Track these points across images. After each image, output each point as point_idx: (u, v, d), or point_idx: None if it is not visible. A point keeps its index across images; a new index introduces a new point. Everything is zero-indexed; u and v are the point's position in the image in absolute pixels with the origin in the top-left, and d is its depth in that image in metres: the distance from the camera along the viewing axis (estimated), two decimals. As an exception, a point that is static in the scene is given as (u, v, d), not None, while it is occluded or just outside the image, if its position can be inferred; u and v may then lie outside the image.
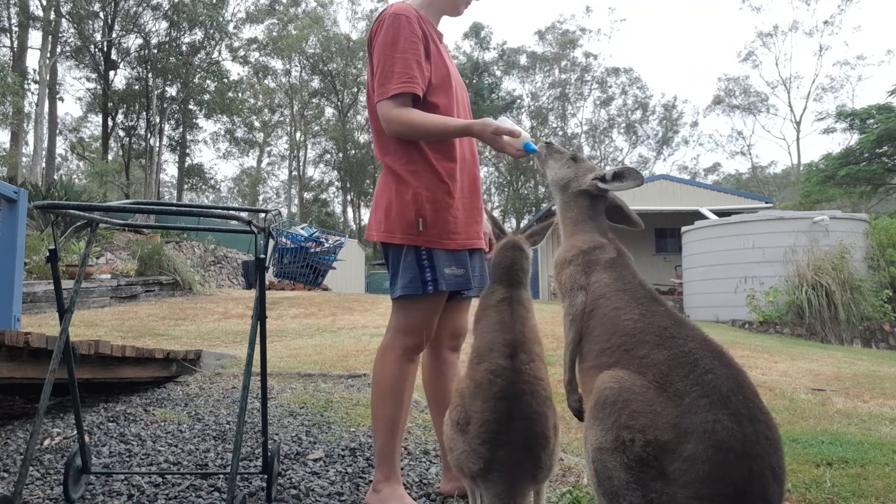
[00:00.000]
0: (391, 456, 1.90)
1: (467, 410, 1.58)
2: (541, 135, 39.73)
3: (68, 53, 25.14)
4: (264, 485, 2.13)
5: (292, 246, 2.37)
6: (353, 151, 36.64)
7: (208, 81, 26.94)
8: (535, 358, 1.63)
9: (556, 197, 1.78)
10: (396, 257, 1.90)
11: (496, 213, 41.15)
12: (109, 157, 25.32)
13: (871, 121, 18.31)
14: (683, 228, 12.21)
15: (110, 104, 24.88)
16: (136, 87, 25.60)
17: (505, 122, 1.78)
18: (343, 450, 2.61)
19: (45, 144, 21.90)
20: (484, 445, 1.50)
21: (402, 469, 2.27)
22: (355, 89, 35.21)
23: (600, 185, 1.67)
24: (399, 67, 1.82)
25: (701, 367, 1.24)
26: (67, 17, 22.61)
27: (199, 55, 26.23)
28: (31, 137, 23.43)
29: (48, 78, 21.65)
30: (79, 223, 1.91)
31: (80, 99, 31.42)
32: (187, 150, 30.53)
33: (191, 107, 27.41)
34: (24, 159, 23.78)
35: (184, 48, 25.63)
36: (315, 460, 2.47)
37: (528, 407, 1.53)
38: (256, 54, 32.60)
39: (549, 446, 1.54)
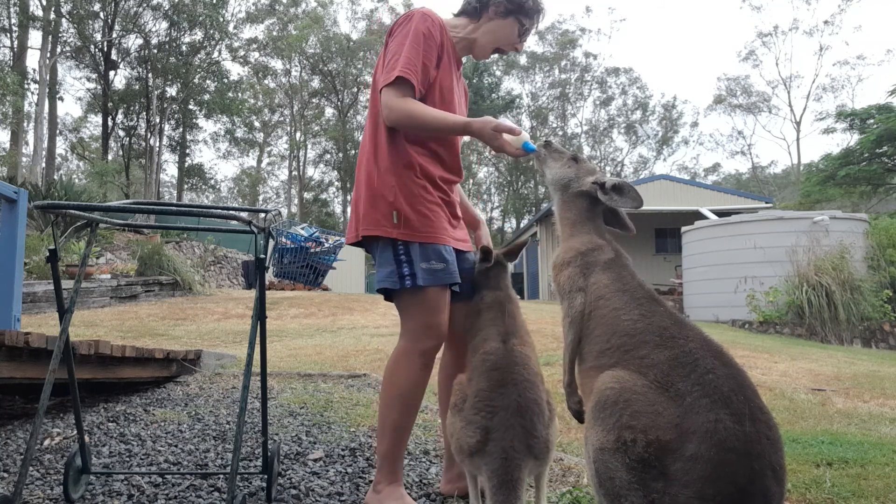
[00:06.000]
0: (395, 459, 1.89)
1: (464, 392, 1.67)
2: (541, 135, 39.71)
3: (68, 53, 25.12)
4: (264, 485, 2.13)
5: (292, 246, 2.37)
6: (353, 151, 36.58)
7: (208, 81, 26.90)
8: (525, 343, 1.76)
9: (555, 197, 1.79)
10: (374, 251, 1.94)
11: (496, 214, 41.22)
12: (109, 157, 25.28)
13: (871, 121, 18.28)
14: (683, 228, 12.21)
15: (110, 104, 24.85)
16: (136, 87, 25.56)
17: (504, 121, 1.79)
18: (343, 450, 2.61)
19: (45, 144, 21.88)
20: (479, 414, 1.56)
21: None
22: (355, 89, 35.19)
23: (599, 193, 1.67)
24: (410, 54, 1.85)
25: (702, 367, 1.24)
26: (67, 17, 22.58)
27: (199, 55, 26.20)
28: (31, 137, 23.43)
29: (48, 78, 21.63)
30: (79, 223, 1.90)
31: (80, 99, 31.43)
32: (187, 150, 30.51)
33: (191, 107, 27.37)
34: (24, 159, 23.75)
35: (184, 48, 25.59)
36: (315, 460, 2.47)
37: (519, 375, 1.63)
38: (256, 54, 32.59)
39: (543, 415, 1.59)
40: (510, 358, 1.66)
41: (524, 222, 36.17)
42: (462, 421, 1.59)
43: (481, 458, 1.53)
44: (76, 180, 23.90)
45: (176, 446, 2.64)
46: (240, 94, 28.81)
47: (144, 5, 23.89)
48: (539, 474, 1.64)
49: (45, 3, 21.79)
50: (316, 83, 36.48)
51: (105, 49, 24.38)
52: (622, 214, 1.75)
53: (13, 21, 21.78)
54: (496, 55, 2.13)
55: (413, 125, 1.85)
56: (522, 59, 41.22)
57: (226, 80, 27.00)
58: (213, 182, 36.04)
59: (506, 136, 1.77)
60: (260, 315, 1.92)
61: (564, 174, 1.76)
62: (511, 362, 1.65)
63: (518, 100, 39.39)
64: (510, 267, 2.02)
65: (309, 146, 38.44)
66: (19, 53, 22.08)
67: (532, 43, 45.85)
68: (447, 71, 1.96)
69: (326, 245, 2.44)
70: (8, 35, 22.27)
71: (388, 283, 1.89)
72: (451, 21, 2.06)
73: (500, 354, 1.67)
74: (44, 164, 21.44)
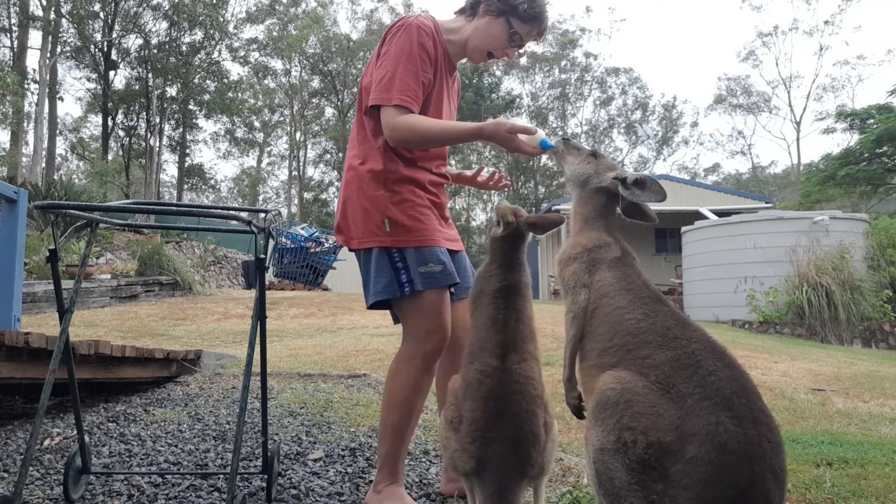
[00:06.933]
0: (396, 461, 1.90)
1: (460, 409, 1.60)
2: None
3: (68, 53, 25.09)
4: (264, 485, 2.12)
5: (292, 246, 2.37)
6: (353, 151, 36.47)
7: (208, 81, 26.89)
8: (527, 357, 1.61)
9: (573, 192, 1.78)
10: (368, 263, 1.89)
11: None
12: (109, 157, 25.28)
13: (871, 121, 18.27)
14: (683, 228, 12.21)
15: (110, 104, 24.84)
16: (136, 87, 25.53)
17: (517, 122, 1.78)
18: (343, 450, 2.61)
19: (45, 144, 21.88)
20: (474, 444, 1.52)
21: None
22: (355, 89, 35.10)
23: (621, 189, 1.67)
24: (406, 77, 1.82)
25: (704, 368, 1.24)
26: (67, 17, 22.57)
27: (199, 55, 26.20)
28: (31, 137, 23.43)
29: (48, 78, 21.63)
30: (79, 223, 1.90)
31: (80, 99, 31.35)
32: (187, 150, 30.49)
33: (191, 107, 27.36)
34: (24, 159, 23.75)
35: (184, 48, 25.57)
36: (315, 460, 2.47)
37: (517, 405, 1.54)
38: (256, 54, 32.58)
39: (539, 443, 1.54)
40: (508, 385, 1.55)
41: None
42: (457, 443, 1.56)
43: (476, 480, 1.52)
44: (76, 180, 23.88)
45: (176, 446, 2.64)
46: (240, 94, 28.79)
47: (144, 5, 23.87)
48: (537, 483, 1.63)
49: (45, 3, 21.79)
50: (316, 83, 36.46)
51: (105, 49, 24.37)
52: (644, 205, 1.74)
53: (13, 21, 21.78)
54: (492, 60, 2.08)
55: (420, 140, 1.82)
56: (522, 59, 41.19)
57: (226, 80, 26.98)
58: (213, 182, 36.03)
59: (521, 136, 1.75)
60: (260, 315, 1.92)
61: (584, 170, 1.75)
62: (509, 391, 1.54)
63: (518, 100, 39.33)
64: (528, 237, 1.74)
65: (309, 146, 38.42)
66: (19, 53, 22.07)
67: (532, 42, 45.82)
68: (440, 85, 1.95)
69: (326, 245, 2.44)
70: (8, 35, 22.26)
71: (387, 293, 1.85)
72: (447, 24, 2.02)
73: (496, 379, 1.56)
74: (44, 164, 21.44)
